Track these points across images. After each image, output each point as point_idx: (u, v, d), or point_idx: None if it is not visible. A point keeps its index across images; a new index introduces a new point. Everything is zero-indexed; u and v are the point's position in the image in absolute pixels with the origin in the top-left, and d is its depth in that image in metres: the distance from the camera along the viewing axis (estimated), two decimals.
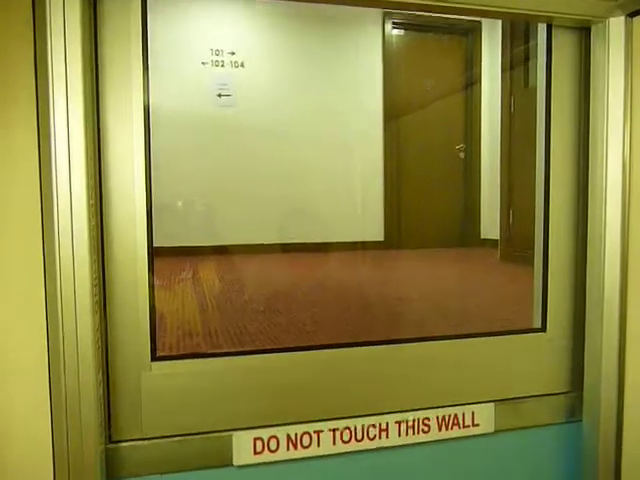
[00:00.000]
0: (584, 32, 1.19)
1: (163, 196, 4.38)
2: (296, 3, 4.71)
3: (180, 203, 4.51)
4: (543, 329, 1.23)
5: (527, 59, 3.86)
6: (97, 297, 0.94)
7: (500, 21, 4.32)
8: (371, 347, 1.14)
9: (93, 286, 0.91)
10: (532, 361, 1.21)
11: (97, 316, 0.93)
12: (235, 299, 2.70)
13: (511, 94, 4.04)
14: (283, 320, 2.15)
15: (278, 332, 1.99)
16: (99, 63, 0.95)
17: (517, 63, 3.94)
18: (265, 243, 4.65)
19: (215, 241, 4.57)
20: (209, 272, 3.68)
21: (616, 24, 1.10)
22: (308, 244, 4.73)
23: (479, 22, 5.05)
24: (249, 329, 2.03)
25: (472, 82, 5.18)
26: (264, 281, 3.28)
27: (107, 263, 0.98)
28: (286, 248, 4.67)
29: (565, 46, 1.20)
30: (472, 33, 5.10)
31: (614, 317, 1.13)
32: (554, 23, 1.17)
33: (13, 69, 0.86)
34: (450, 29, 5.09)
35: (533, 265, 1.28)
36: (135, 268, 0.99)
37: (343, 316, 2.27)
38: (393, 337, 1.17)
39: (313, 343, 1.87)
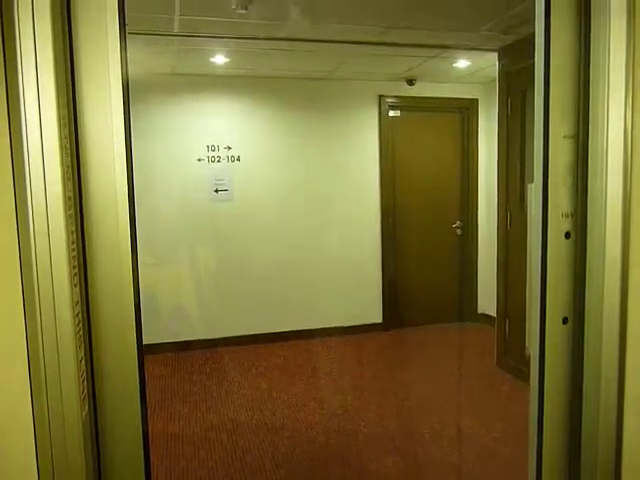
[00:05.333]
0: None
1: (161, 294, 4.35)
2: (293, 94, 4.60)
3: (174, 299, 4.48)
4: None
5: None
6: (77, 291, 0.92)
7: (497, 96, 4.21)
8: None
9: (72, 276, 0.89)
10: None
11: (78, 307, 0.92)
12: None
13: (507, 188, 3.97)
14: None
15: None
16: (73, 36, 0.89)
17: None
18: (254, 333, 4.64)
19: (198, 335, 4.55)
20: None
21: None
22: (300, 332, 4.71)
23: (476, 100, 4.94)
24: None
25: (469, 158, 5.09)
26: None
27: (87, 236, 0.96)
28: (278, 337, 4.66)
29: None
30: (468, 111, 4.99)
31: None
32: None
33: None
34: (446, 109, 4.98)
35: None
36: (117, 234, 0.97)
37: None
38: None
39: None
